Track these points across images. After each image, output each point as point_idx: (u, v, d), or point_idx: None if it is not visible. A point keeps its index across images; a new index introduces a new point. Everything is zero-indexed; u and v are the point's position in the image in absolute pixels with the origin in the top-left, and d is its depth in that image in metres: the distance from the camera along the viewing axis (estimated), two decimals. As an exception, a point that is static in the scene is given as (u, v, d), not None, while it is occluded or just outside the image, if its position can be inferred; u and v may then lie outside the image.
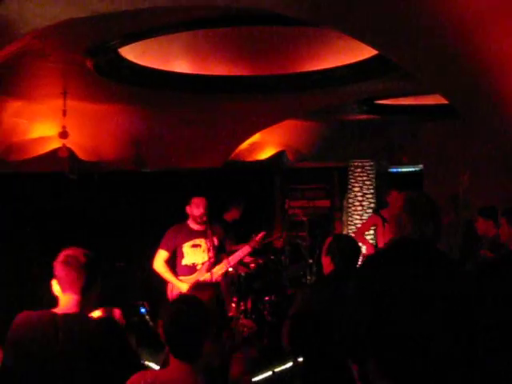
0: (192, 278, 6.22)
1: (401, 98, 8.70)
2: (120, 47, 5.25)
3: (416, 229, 3.07)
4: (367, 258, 3.19)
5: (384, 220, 8.02)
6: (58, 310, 3.04)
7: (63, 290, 3.03)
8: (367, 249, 8.13)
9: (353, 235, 8.70)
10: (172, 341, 2.84)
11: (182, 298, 3.34)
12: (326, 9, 3.08)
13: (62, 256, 3.05)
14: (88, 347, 2.94)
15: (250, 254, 7.53)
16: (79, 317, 3.03)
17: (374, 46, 3.25)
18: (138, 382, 2.79)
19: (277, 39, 5.66)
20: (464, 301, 3.04)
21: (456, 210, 10.17)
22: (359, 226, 9.18)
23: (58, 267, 3.03)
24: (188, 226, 6.33)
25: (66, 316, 3.00)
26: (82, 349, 2.93)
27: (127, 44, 5.09)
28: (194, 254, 6.27)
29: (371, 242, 9.35)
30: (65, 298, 3.04)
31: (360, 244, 4.53)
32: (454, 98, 3.35)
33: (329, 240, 4.13)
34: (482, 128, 3.85)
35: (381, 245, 8.12)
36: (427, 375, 2.97)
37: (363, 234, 8.73)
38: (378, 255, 3.20)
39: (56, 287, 3.07)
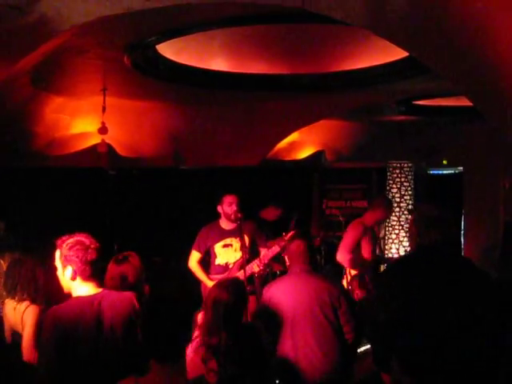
0: (223, 277, 6.23)
1: (440, 99, 8.58)
2: (157, 44, 5.33)
3: (423, 238, 3.28)
4: (390, 265, 3.42)
5: (368, 229, 6.81)
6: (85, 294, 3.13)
7: (84, 278, 3.11)
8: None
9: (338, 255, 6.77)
10: None
11: None
12: (357, 8, 3.09)
13: (79, 247, 3.10)
14: (126, 318, 3.12)
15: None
16: (112, 293, 3.22)
17: (399, 44, 3.25)
18: None
19: (314, 38, 5.67)
20: (481, 302, 3.09)
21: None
22: (342, 241, 6.82)
23: (79, 259, 3.08)
24: (219, 225, 6.30)
25: (102, 294, 3.13)
26: (122, 320, 3.10)
27: (164, 41, 5.17)
28: (226, 253, 6.25)
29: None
30: (87, 285, 3.13)
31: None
32: (478, 100, 3.35)
33: None
34: (508, 132, 3.83)
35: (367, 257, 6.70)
36: (447, 373, 3.03)
37: (351, 251, 6.65)
38: (399, 262, 3.39)
39: (68, 276, 3.11)
